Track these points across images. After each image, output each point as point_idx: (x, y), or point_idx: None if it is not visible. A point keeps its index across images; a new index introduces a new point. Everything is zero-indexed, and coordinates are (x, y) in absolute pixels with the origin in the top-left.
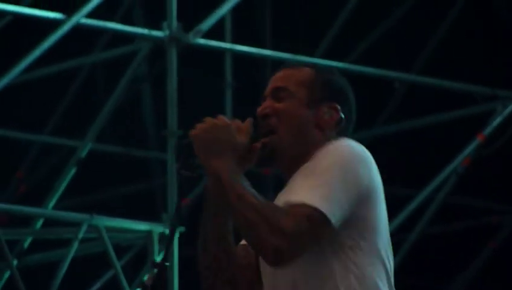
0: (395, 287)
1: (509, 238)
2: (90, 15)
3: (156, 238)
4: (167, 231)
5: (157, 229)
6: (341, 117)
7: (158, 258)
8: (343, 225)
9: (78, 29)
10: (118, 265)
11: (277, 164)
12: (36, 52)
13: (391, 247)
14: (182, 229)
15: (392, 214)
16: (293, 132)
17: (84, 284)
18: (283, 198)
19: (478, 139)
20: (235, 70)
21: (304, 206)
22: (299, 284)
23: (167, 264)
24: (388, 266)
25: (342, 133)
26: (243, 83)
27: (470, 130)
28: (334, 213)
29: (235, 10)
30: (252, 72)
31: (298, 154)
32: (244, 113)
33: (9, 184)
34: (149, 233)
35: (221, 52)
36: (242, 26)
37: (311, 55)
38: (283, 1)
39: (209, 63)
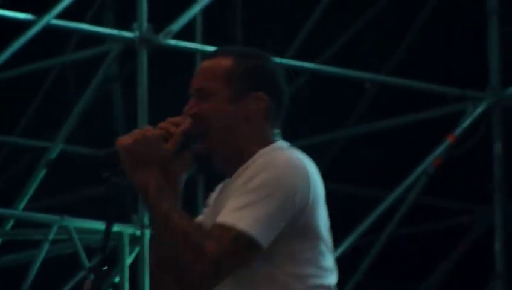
0: (365, 288)
1: (479, 239)
2: (60, 16)
3: (126, 239)
4: (138, 232)
5: (128, 230)
6: (269, 105)
7: (129, 260)
8: (277, 239)
9: (48, 30)
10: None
11: (215, 167)
12: (6, 53)
13: (332, 255)
14: (152, 231)
15: (362, 215)
16: (222, 131)
17: (55, 286)
18: (218, 208)
19: (448, 140)
20: None
21: (229, 228)
22: None
23: (105, 268)
24: (329, 277)
25: (274, 120)
26: None
27: (440, 130)
28: (262, 234)
29: (205, 11)
30: None
31: (232, 153)
32: None
33: None
34: (119, 234)
35: (192, 52)
36: (213, 26)
37: (282, 55)
38: (254, 2)
39: (180, 63)
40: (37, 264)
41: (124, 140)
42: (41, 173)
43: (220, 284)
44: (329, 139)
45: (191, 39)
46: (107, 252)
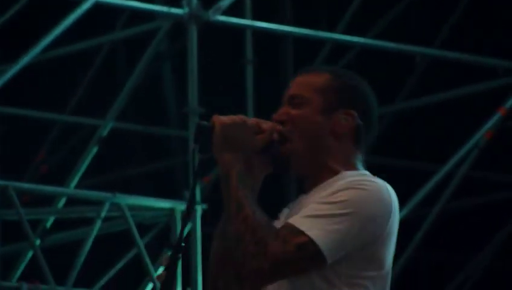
0: (418, 262)
1: None
2: None
3: (178, 216)
4: None
5: (180, 206)
6: (358, 124)
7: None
8: (342, 260)
9: (98, 7)
10: (141, 243)
11: (293, 171)
12: (57, 31)
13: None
14: (204, 206)
15: (413, 189)
16: (307, 139)
17: (107, 263)
18: (293, 212)
19: (499, 113)
20: (255, 47)
21: (299, 233)
22: None
23: (183, 244)
24: None
25: (360, 141)
26: (263, 60)
27: (491, 103)
28: (330, 249)
29: None
30: (273, 49)
31: (313, 165)
32: (264, 91)
33: (31, 164)
34: (171, 211)
35: (241, 29)
36: (262, 2)
37: (332, 30)
38: None
39: (230, 40)
40: (90, 241)
41: (222, 119)
42: (93, 151)
43: (274, 284)
44: (380, 113)
45: (241, 15)
46: (185, 228)
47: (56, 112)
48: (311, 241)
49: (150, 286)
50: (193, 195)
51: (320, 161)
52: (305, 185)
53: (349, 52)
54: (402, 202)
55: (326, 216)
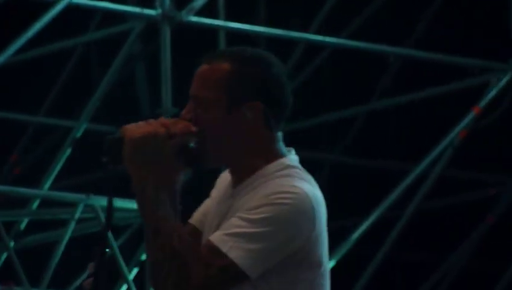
0: (391, 263)
1: (506, 211)
2: None
3: None
4: None
5: None
6: (265, 115)
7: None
8: (272, 269)
9: (70, 9)
10: (115, 245)
11: (212, 166)
12: (29, 33)
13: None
14: None
15: (388, 189)
16: (217, 140)
17: (81, 265)
18: (221, 216)
19: (473, 112)
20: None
21: (220, 255)
22: None
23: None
24: None
25: (273, 126)
26: None
27: (465, 103)
28: (252, 267)
29: None
30: None
31: (231, 162)
32: None
33: (4, 166)
34: None
35: (214, 29)
36: (235, 2)
37: (305, 30)
38: None
39: (203, 40)
40: (64, 243)
41: (131, 132)
42: (67, 153)
43: None
44: (353, 113)
45: (214, 16)
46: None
47: (30, 114)
48: (232, 264)
49: (124, 287)
50: (110, 214)
51: (236, 159)
52: (232, 176)
53: (322, 53)
54: (376, 202)
55: (247, 235)
